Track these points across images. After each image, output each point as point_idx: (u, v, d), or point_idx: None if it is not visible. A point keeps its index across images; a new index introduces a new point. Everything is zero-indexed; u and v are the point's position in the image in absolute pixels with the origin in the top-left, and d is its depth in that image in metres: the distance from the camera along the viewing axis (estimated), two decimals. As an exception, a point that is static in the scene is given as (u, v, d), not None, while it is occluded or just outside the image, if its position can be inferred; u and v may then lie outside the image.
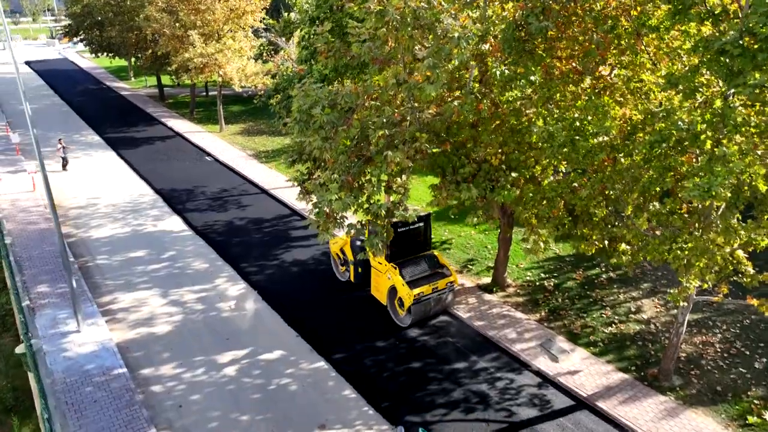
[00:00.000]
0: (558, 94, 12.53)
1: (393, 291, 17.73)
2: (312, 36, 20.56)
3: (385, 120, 12.09)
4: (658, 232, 12.25)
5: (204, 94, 50.94)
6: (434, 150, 14.66)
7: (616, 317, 18.10)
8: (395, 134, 12.57)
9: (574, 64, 13.43)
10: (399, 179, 12.77)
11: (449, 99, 14.42)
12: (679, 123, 10.33)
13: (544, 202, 13.71)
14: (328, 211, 12.23)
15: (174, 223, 25.11)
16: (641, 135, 11.64)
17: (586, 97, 12.34)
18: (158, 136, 38.62)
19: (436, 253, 18.60)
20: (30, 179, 28.11)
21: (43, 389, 11.39)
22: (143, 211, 26.38)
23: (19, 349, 12.65)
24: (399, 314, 17.79)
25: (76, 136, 38.65)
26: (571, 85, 13.36)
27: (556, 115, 12.03)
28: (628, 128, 11.83)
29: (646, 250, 12.99)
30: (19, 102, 48.25)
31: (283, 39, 28.11)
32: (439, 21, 11.17)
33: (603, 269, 20.77)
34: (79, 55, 75.24)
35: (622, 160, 11.99)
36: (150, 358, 16.24)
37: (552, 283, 20.03)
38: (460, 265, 21.37)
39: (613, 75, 12.76)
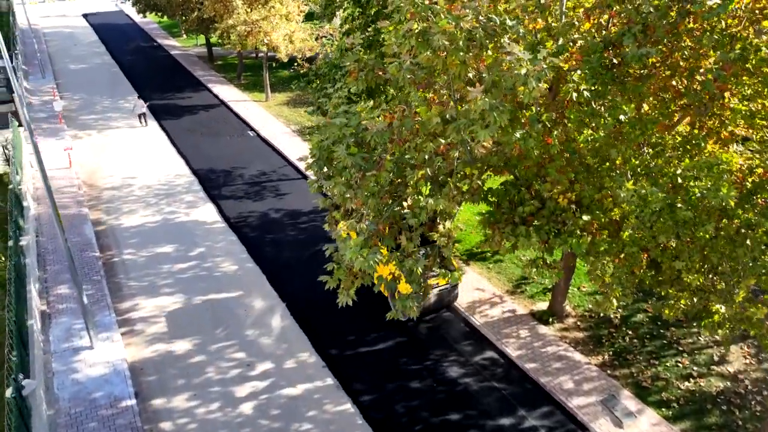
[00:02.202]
0: (654, 137, 9.65)
1: None
2: (356, 17, 17.99)
3: (426, 157, 9.68)
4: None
5: (253, 56, 48.84)
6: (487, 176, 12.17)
7: (695, 368, 15.42)
8: (439, 170, 10.14)
9: (673, 83, 10.44)
10: (442, 226, 10.40)
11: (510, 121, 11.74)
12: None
13: (622, 255, 11.07)
14: (350, 266, 10.08)
15: (207, 213, 23.63)
16: (763, 197, 8.78)
17: (692, 140, 9.40)
18: (202, 105, 37.07)
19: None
20: (66, 155, 27.17)
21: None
22: (177, 196, 25.02)
23: (9, 393, 11.40)
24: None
25: (121, 102, 37.58)
26: (670, 104, 10.44)
27: (647, 162, 9.26)
28: (747, 186, 8.96)
29: (749, 323, 10.30)
30: (72, 61, 47.73)
31: (325, 19, 25.42)
32: (501, 46, 8.45)
33: (681, 300, 17.88)
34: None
35: (735, 223, 9.19)
36: (164, 385, 14.93)
37: (619, 316, 17.38)
38: (513, 284, 18.94)
39: (730, 104, 9.73)
